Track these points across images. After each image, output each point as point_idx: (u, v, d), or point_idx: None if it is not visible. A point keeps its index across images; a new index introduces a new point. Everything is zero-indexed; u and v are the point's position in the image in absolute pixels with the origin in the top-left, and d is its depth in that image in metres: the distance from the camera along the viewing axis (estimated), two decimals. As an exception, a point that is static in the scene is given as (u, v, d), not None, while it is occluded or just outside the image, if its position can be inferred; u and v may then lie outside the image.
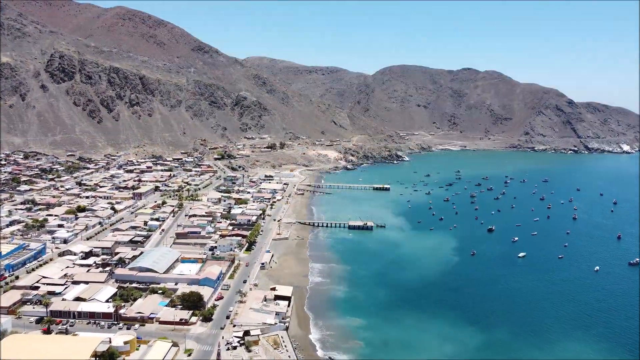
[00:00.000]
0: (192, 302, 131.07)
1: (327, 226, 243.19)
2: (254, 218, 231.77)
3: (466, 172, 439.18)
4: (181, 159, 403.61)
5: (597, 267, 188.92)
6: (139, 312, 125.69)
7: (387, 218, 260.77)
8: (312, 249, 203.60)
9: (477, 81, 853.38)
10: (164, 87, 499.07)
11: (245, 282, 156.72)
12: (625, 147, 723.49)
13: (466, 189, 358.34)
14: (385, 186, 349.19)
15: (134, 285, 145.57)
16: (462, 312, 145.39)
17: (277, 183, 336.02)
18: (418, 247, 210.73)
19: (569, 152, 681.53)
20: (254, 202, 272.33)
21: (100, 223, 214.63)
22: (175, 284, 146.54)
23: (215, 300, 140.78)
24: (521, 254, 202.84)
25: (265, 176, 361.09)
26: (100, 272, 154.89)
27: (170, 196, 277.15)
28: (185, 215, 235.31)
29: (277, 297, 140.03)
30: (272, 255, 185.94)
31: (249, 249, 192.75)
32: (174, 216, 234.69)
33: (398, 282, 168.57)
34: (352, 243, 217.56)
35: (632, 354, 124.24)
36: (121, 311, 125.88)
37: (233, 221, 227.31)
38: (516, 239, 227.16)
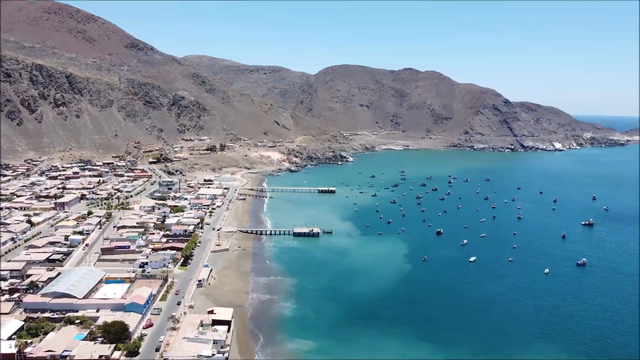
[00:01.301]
0: (115, 334, 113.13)
1: (271, 234, 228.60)
2: (191, 228, 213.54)
3: (410, 172, 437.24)
4: (112, 163, 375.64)
5: (547, 270, 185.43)
6: (49, 351, 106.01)
7: (334, 223, 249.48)
8: (255, 261, 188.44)
9: (418, 81, 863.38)
10: (94, 86, 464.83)
11: (179, 304, 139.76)
12: (558, 145, 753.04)
13: (412, 190, 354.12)
14: (331, 189, 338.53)
15: (47, 315, 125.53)
16: (418, 328, 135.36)
17: (217, 188, 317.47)
18: (368, 255, 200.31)
19: (507, 150, 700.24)
20: (191, 209, 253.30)
21: (12, 239, 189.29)
22: (97, 311, 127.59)
23: (144, 328, 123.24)
24: (472, 258, 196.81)
25: (205, 180, 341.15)
26: (6, 300, 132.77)
27: (98, 205, 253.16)
28: (114, 227, 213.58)
29: (216, 322, 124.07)
30: (211, 270, 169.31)
31: (184, 264, 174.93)
32: (100, 228, 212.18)
33: (349, 296, 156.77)
34: (298, 252, 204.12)
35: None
36: (27, 350, 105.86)
37: (168, 232, 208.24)
38: (465, 241, 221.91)
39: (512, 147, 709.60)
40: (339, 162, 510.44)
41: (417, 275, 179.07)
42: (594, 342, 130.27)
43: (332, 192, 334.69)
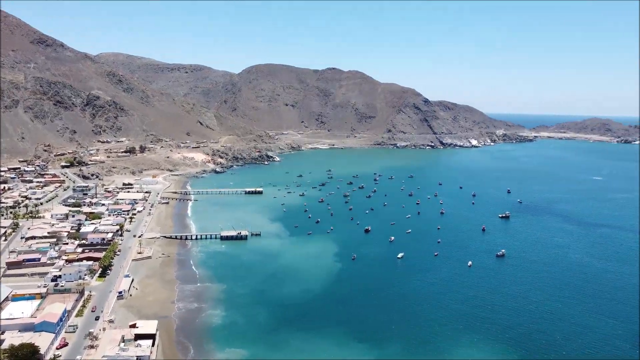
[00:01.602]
0: (24, 358, 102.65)
1: (196, 238, 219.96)
2: (110, 235, 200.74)
3: (337, 170, 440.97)
4: (19, 168, 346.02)
5: (470, 262, 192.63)
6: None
7: (263, 225, 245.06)
8: (180, 268, 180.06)
9: (341, 81, 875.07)
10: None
11: (97, 319, 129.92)
12: (474, 142, 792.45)
13: (339, 189, 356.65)
14: (258, 189, 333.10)
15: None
16: (350, 327, 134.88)
17: (137, 192, 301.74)
18: (298, 256, 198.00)
19: (427, 147, 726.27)
20: (109, 215, 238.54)
21: None
22: (2, 333, 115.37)
23: (57, 349, 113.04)
24: (400, 255, 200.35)
25: (124, 184, 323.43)
26: None
27: (3, 215, 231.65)
28: (22, 238, 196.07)
29: (139, 336, 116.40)
30: (132, 280, 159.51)
31: (103, 275, 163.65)
32: (5, 240, 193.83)
33: (280, 299, 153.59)
34: (226, 256, 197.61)
35: (523, 354, 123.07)
36: None
37: (83, 241, 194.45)
38: (392, 238, 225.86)
39: (433, 144, 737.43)
40: (266, 162, 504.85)
41: (347, 274, 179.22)
42: (515, 330, 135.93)
43: (260, 192, 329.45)
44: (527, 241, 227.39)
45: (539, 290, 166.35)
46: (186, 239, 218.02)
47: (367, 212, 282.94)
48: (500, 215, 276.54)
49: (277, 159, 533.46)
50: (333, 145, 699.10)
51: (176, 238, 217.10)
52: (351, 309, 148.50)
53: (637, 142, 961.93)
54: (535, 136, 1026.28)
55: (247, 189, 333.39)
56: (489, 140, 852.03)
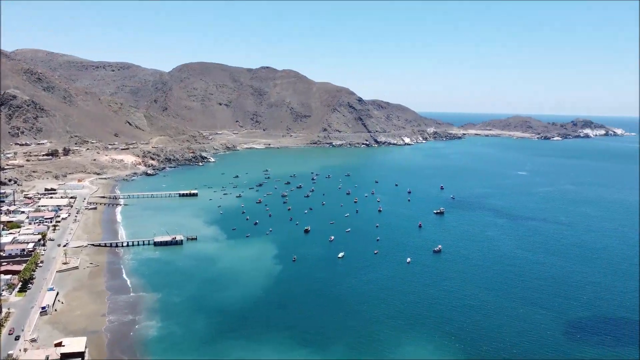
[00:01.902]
0: None
1: (128, 245, 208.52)
2: (31, 246, 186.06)
3: (274, 170, 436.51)
4: None
5: (409, 259, 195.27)
6: None
7: (199, 228, 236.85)
8: (111, 278, 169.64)
9: (276, 80, 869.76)
10: None
11: (18, 338, 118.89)
12: (407, 140, 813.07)
13: (277, 189, 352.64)
14: (193, 191, 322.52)
15: None
16: (293, 332, 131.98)
17: (61, 197, 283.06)
18: (236, 259, 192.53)
19: (362, 146, 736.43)
20: (30, 224, 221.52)
21: None
22: None
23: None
24: (340, 254, 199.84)
25: (46, 190, 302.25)
26: None
27: None
28: None
29: (66, 356, 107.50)
30: (57, 294, 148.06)
31: (23, 289, 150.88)
32: None
33: (219, 306, 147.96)
34: (160, 263, 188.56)
35: (468, 348, 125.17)
36: None
37: (1, 253, 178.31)
38: (332, 238, 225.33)
39: (367, 142, 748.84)
40: (200, 163, 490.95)
41: (288, 276, 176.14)
42: (455, 325, 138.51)
43: (195, 195, 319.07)
44: (462, 236, 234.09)
45: (474, 283, 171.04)
46: (116, 246, 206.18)
47: (306, 211, 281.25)
48: (435, 212, 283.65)
49: (212, 159, 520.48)
50: (269, 144, 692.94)
51: (105, 246, 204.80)
52: (293, 312, 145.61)
53: (556, 139, 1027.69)
54: (464, 134, 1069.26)
55: (181, 192, 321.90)
56: (420, 138, 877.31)
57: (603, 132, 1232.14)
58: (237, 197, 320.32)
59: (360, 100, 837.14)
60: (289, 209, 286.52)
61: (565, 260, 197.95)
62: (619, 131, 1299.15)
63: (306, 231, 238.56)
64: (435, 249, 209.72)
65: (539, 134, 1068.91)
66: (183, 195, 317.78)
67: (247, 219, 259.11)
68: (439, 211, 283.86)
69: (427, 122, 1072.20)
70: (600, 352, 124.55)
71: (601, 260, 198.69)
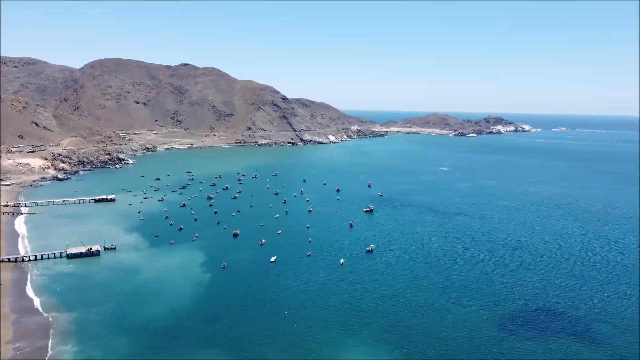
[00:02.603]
0: None
1: (36, 259, 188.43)
2: None
3: (198, 171, 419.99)
4: None
5: (342, 260, 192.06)
6: None
7: (118, 237, 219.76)
8: (16, 298, 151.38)
9: (197, 77, 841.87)
10: None
11: None
12: (332, 138, 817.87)
13: (202, 191, 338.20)
14: (110, 196, 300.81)
15: None
16: (226, 346, 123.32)
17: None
18: (161, 269, 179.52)
19: (288, 144, 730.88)
20: None
21: None
22: None
23: None
24: (272, 259, 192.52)
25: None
26: None
27: None
28: None
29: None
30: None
31: None
32: None
33: (143, 322, 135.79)
34: (75, 278, 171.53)
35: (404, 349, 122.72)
36: None
37: None
38: (263, 241, 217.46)
39: (293, 141, 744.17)
40: (117, 166, 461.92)
41: (218, 284, 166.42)
42: (392, 325, 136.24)
43: (112, 200, 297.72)
44: (392, 234, 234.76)
45: (409, 282, 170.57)
46: (22, 261, 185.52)
47: (234, 214, 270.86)
48: (365, 210, 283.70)
49: (130, 161, 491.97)
50: (191, 144, 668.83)
51: (9, 261, 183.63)
52: (226, 324, 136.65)
53: (471, 135, 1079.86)
54: (386, 131, 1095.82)
55: (97, 197, 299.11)
56: (345, 136, 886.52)
57: (513, 128, 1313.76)
58: (159, 201, 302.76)
59: (284, 98, 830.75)
60: (215, 212, 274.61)
61: (492, 254, 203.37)
62: (526, 127, 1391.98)
63: (235, 235, 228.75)
64: (368, 248, 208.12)
65: (455, 130, 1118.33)
66: (99, 200, 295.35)
67: (170, 225, 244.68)
68: (368, 209, 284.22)
69: (350, 120, 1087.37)
70: (534, 345, 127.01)
71: (526, 252, 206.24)
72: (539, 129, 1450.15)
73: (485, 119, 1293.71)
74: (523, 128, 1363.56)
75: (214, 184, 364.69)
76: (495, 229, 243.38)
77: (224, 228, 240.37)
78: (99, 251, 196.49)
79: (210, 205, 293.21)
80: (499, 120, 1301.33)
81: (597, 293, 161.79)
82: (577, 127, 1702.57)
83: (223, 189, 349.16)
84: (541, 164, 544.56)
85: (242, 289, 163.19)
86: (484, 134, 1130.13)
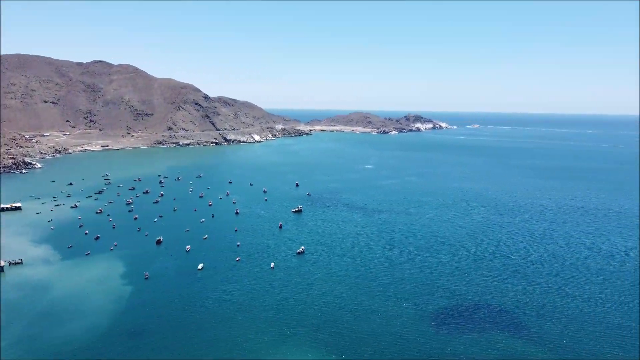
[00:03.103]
0: None
1: None
2: None
3: (115, 175, 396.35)
4: None
5: (273, 264, 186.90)
6: None
7: (25, 249, 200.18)
8: None
9: (111, 75, 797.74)
10: None
11: None
12: (257, 137, 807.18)
13: (120, 196, 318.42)
14: (15, 205, 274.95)
15: None
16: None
17: None
18: (76, 284, 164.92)
19: (211, 144, 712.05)
20: None
21: None
22: None
23: None
24: (200, 266, 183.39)
25: None
26: None
27: None
28: None
29: None
30: None
31: None
32: None
33: (58, 345, 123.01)
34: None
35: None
36: None
37: None
38: (189, 247, 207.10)
39: (217, 141, 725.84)
40: (23, 170, 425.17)
41: (141, 297, 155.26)
42: (327, 330, 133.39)
43: (17, 209, 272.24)
44: (322, 234, 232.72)
45: (341, 283, 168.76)
46: None
47: (156, 220, 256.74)
48: (293, 210, 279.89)
49: (38, 165, 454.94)
50: (107, 146, 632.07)
51: None
52: (152, 338, 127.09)
53: (393, 133, 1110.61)
54: (311, 130, 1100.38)
55: (1, 206, 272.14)
56: (270, 135, 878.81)
57: (431, 125, 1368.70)
58: (72, 207, 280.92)
59: (206, 97, 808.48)
60: (135, 218, 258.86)
61: (420, 251, 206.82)
62: (444, 125, 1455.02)
63: (158, 242, 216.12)
64: (298, 250, 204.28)
65: (378, 128, 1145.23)
66: (2, 209, 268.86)
67: (86, 234, 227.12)
68: (297, 209, 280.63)
69: (275, 119, 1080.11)
70: (466, 339, 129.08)
71: (451, 247, 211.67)
72: (454, 126, 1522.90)
73: (405, 117, 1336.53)
74: (440, 125, 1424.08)
75: (133, 188, 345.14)
76: (422, 226, 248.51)
77: (146, 235, 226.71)
78: (2, 267, 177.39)
79: (130, 211, 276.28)
80: (418, 118, 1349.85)
81: (520, 285, 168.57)
82: (489, 125, 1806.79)
83: (143, 192, 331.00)
84: (460, 160, 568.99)
85: (168, 299, 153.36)
86: (404, 132, 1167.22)
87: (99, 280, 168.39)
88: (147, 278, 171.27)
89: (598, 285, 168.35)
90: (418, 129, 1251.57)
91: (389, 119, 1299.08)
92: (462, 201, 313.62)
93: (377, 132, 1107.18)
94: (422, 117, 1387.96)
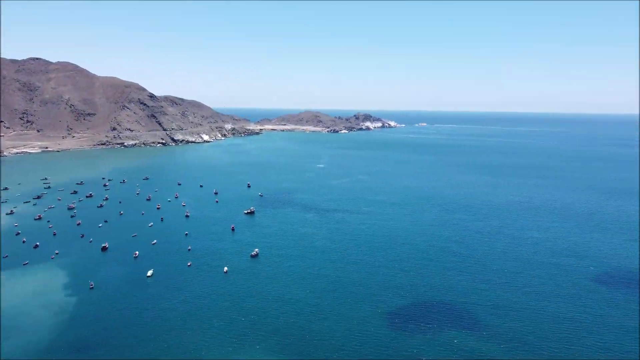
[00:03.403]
0: None
1: None
2: None
3: (56, 178, 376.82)
4: None
5: (226, 268, 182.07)
6: None
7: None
8: None
9: (49, 73, 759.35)
10: None
11: None
12: (205, 137, 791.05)
13: (61, 200, 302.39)
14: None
15: None
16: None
17: None
18: (12, 297, 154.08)
19: (158, 145, 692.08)
20: None
21: None
22: None
23: None
24: (149, 273, 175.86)
25: None
26: None
27: None
28: None
29: None
30: None
31: None
32: None
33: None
34: None
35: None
36: None
37: None
38: (137, 253, 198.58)
39: (164, 141, 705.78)
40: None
41: (86, 309, 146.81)
42: (284, 334, 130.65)
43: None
44: (276, 236, 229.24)
45: (297, 286, 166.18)
46: None
47: (101, 225, 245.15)
48: (246, 212, 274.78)
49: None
50: (46, 148, 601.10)
51: None
52: (99, 351, 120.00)
53: (343, 131, 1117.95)
54: (261, 129, 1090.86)
55: None
56: (219, 135, 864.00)
57: (380, 124, 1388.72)
58: (7, 214, 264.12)
59: (152, 96, 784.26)
60: (78, 224, 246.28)
61: (374, 250, 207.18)
62: (392, 123, 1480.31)
63: (104, 249, 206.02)
64: (252, 253, 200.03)
65: (328, 127, 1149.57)
66: None
67: (23, 242, 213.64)
68: (249, 211, 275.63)
69: (224, 118, 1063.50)
70: (422, 339, 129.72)
71: (404, 246, 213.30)
72: (403, 125, 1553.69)
73: (355, 115, 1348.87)
74: (389, 124, 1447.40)
75: (75, 192, 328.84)
76: (375, 225, 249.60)
77: (90, 242, 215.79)
78: None
79: (72, 216, 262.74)
80: (367, 117, 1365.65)
81: (473, 282, 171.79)
82: (436, 123, 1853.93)
83: (86, 196, 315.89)
84: (409, 158, 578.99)
85: (115, 310, 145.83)
86: (354, 130, 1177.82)
87: (38, 293, 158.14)
88: (92, 288, 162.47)
89: (547, 280, 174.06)
90: (368, 128, 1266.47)
91: (339, 118, 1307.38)
92: (413, 199, 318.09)
93: (328, 131, 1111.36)
94: (371, 116, 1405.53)
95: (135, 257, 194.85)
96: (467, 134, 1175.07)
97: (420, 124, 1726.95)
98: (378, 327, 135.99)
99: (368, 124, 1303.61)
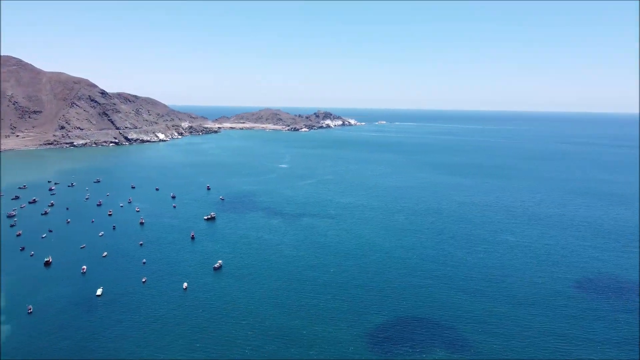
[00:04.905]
0: None
1: None
2: None
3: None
4: None
5: (186, 284, 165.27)
6: None
7: None
8: None
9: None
10: None
11: None
12: (161, 136, 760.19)
13: None
14: None
15: None
16: None
17: None
18: None
19: (111, 144, 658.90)
20: None
21: None
22: None
23: None
24: (98, 291, 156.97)
25: None
26: None
27: None
28: None
29: None
30: None
31: None
32: None
33: None
34: None
35: None
36: None
37: None
38: (85, 268, 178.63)
39: (117, 140, 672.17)
40: None
41: (22, 339, 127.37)
42: (251, 355, 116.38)
43: None
44: (240, 244, 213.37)
45: (266, 302, 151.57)
46: None
47: (45, 235, 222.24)
48: (206, 217, 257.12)
49: None
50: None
51: None
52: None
53: (304, 130, 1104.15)
54: (219, 127, 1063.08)
55: None
56: (176, 134, 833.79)
57: (340, 122, 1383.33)
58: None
59: (103, 93, 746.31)
60: (18, 235, 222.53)
61: (344, 258, 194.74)
62: (352, 121, 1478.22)
63: (47, 264, 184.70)
64: (215, 265, 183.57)
65: (288, 126, 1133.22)
66: None
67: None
68: (210, 217, 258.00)
69: (180, 116, 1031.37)
70: (403, 349, 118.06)
71: (380, 253, 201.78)
72: (363, 123, 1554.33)
73: (315, 113, 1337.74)
74: (349, 122, 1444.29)
75: (17, 197, 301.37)
76: (344, 230, 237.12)
77: (31, 255, 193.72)
78: None
79: (12, 226, 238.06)
80: (327, 115, 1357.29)
81: (451, 291, 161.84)
82: (396, 121, 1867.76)
83: (29, 202, 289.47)
84: (371, 157, 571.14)
85: (58, 338, 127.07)
86: (315, 129, 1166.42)
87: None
88: (30, 312, 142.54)
89: (529, 287, 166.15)
90: (328, 126, 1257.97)
91: (299, 116, 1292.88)
92: (381, 201, 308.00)
93: (288, 130, 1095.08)
94: (331, 114, 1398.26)
95: (83, 273, 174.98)
96: (426, 132, 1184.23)
97: (379, 122, 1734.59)
98: (354, 348, 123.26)
99: (329, 122, 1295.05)
